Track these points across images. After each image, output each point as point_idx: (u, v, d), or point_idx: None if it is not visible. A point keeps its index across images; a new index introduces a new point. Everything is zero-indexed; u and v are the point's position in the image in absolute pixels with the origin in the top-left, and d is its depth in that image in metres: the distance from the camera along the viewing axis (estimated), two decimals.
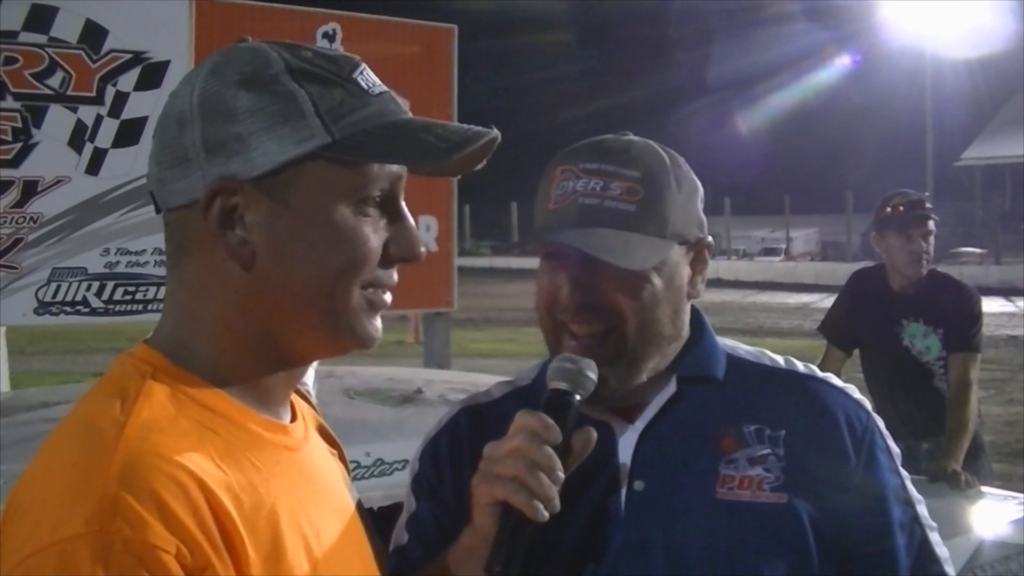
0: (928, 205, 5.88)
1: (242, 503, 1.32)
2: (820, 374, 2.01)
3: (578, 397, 1.70)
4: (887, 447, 1.94)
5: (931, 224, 5.80)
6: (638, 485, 1.85)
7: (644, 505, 1.84)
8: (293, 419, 1.55)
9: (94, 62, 5.81)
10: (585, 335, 1.83)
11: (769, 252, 70.05)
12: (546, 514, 1.58)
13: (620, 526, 1.83)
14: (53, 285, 5.72)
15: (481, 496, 1.62)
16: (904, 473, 1.96)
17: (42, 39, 5.68)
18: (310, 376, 4.13)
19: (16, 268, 5.66)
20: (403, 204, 1.53)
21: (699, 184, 1.95)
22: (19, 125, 5.62)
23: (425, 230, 7.00)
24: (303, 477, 1.47)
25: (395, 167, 1.49)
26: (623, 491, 1.85)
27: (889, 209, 5.86)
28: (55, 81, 5.71)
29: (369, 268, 1.47)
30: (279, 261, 1.42)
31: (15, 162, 5.64)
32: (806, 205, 70.87)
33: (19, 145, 5.63)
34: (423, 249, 1.56)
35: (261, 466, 1.39)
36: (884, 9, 60.07)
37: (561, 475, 1.61)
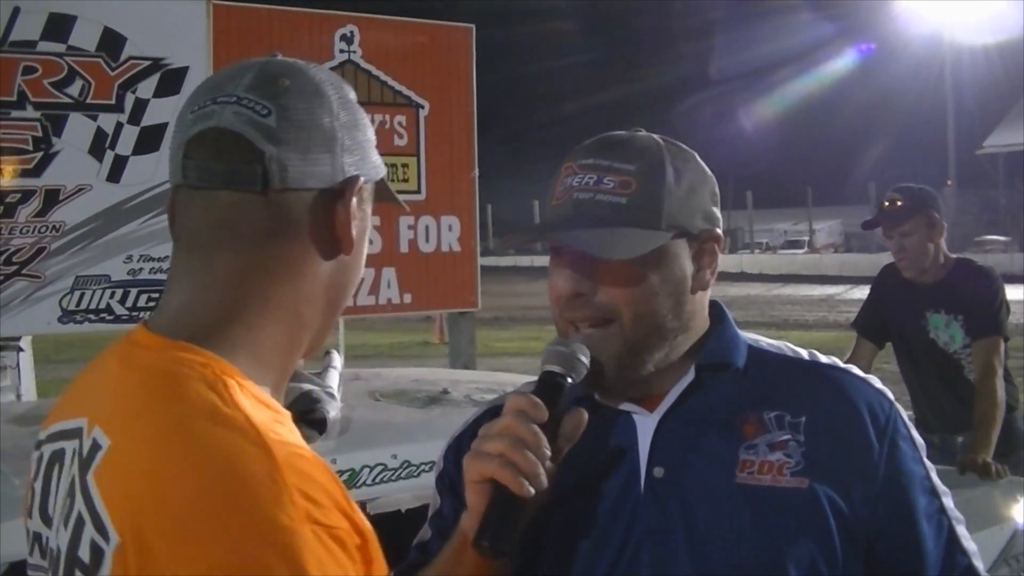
0: (904, 203, 5.75)
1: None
2: (842, 364, 2.00)
3: (570, 379, 1.77)
4: (911, 437, 1.93)
5: (907, 225, 5.73)
6: (658, 472, 1.86)
7: (664, 491, 1.84)
8: None
9: (113, 70, 5.83)
10: (586, 327, 1.86)
11: (792, 244, 70.06)
12: (532, 489, 1.64)
13: (641, 512, 1.84)
14: (77, 293, 5.74)
15: (471, 473, 1.69)
16: (929, 464, 1.94)
17: (60, 48, 5.69)
18: (335, 379, 4.14)
19: (40, 277, 5.67)
20: None
21: (709, 177, 1.95)
22: (39, 134, 5.64)
23: (447, 230, 7.00)
24: None
25: None
26: (643, 478, 1.86)
27: (884, 205, 5.89)
28: (74, 90, 5.72)
29: None
30: (355, 257, 1.59)
31: (36, 171, 5.65)
32: (829, 196, 70.82)
33: (40, 154, 5.65)
34: None
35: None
36: None
37: (547, 452, 1.68)
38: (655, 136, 1.93)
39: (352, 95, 1.60)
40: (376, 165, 1.62)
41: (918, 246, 5.70)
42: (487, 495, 1.67)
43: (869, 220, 5.97)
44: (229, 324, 1.47)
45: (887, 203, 5.80)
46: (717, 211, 1.95)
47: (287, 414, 1.46)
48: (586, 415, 1.77)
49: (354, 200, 1.54)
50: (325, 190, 1.52)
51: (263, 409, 1.40)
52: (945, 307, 5.73)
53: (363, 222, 1.59)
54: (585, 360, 1.79)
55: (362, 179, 1.56)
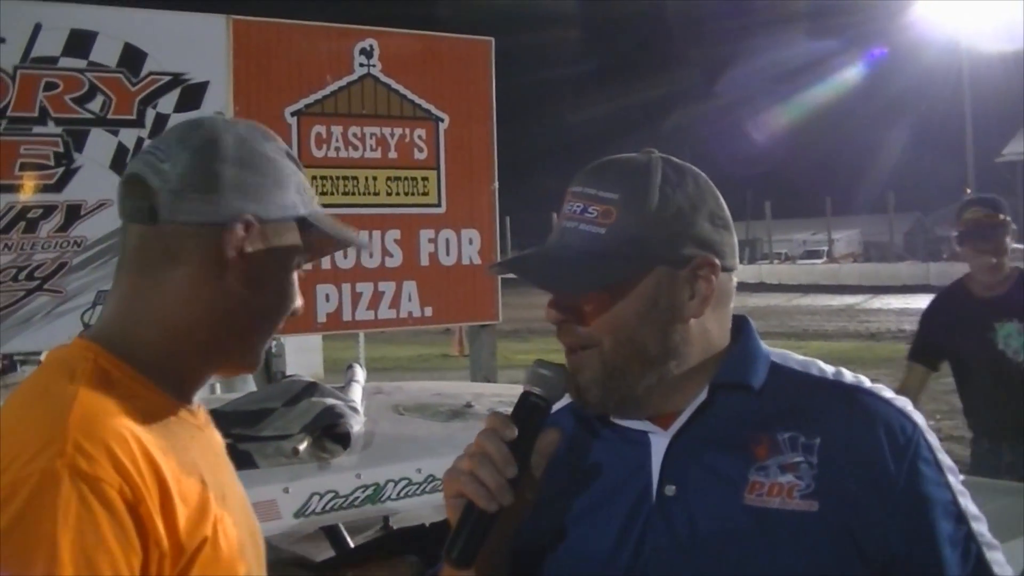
0: (1001, 216, 5.98)
1: (170, 459, 1.67)
2: (868, 385, 1.95)
3: (546, 401, 1.84)
4: (935, 460, 1.87)
5: (1005, 239, 5.92)
6: (669, 490, 1.85)
7: (674, 510, 1.84)
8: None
9: (134, 85, 5.84)
10: (569, 349, 1.91)
11: (811, 255, 69.95)
12: (495, 505, 1.74)
13: (650, 530, 1.84)
14: (98, 308, 5.75)
15: (446, 489, 1.80)
16: (958, 488, 1.88)
17: (82, 64, 5.71)
18: (357, 393, 4.14)
19: (61, 292, 5.69)
20: None
21: (709, 199, 1.92)
22: (61, 150, 5.66)
23: (468, 243, 7.00)
24: (210, 449, 1.86)
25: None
26: (654, 496, 1.86)
27: (962, 222, 5.97)
28: (95, 105, 5.74)
29: (287, 314, 1.91)
30: (251, 289, 1.82)
31: (58, 187, 5.68)
32: (847, 206, 70.70)
33: (61, 170, 5.67)
34: None
35: (181, 437, 1.76)
36: (918, 5, 59.82)
37: (514, 469, 1.76)
38: (656, 157, 1.92)
39: (264, 147, 1.86)
40: (282, 205, 1.85)
41: (1006, 249, 5.86)
42: (460, 510, 1.76)
43: (964, 232, 6.00)
44: (130, 331, 1.79)
45: (983, 216, 5.93)
46: (720, 233, 1.92)
47: (161, 400, 1.77)
48: (557, 434, 1.84)
49: (243, 234, 1.79)
50: (213, 224, 1.78)
51: (112, 391, 1.69)
52: (1019, 316, 5.80)
53: (271, 259, 1.84)
54: (560, 382, 1.85)
55: (250, 215, 1.80)
